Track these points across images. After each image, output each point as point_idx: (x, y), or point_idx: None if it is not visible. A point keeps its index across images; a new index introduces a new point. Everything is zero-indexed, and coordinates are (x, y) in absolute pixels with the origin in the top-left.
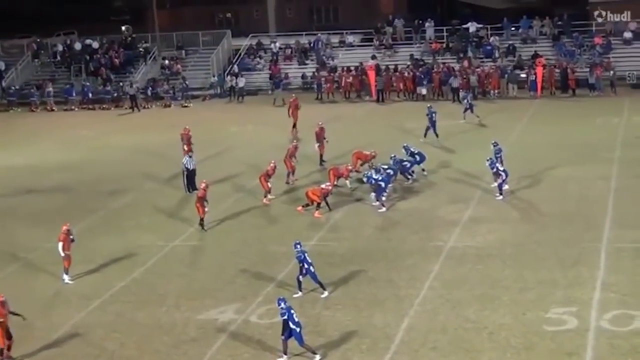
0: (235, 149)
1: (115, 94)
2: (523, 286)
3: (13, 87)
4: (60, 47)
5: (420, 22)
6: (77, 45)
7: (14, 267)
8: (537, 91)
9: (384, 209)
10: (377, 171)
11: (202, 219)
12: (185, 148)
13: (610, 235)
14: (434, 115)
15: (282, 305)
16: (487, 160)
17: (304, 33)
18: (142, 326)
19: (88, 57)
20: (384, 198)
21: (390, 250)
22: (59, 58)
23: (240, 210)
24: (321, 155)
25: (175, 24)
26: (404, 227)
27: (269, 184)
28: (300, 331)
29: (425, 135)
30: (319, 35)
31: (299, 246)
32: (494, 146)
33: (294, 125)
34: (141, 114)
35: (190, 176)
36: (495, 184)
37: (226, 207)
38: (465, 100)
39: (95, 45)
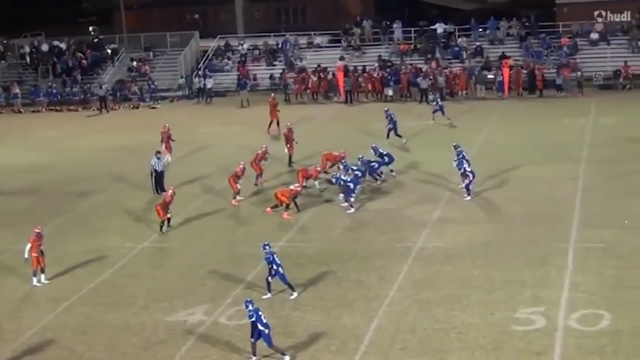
0: (204, 150)
1: (83, 96)
2: (491, 286)
3: None
4: (27, 49)
5: (388, 23)
6: (45, 47)
7: None
8: (504, 92)
9: (352, 210)
10: (346, 171)
11: (162, 222)
12: (164, 146)
13: (577, 235)
14: (392, 116)
15: (250, 307)
16: (455, 161)
17: (272, 34)
18: (111, 328)
19: (55, 59)
20: (352, 199)
21: (359, 251)
22: (27, 59)
23: (209, 212)
24: (290, 157)
25: (143, 25)
26: (373, 228)
27: (238, 185)
28: (269, 332)
29: (387, 136)
30: (287, 36)
31: (267, 247)
32: (455, 149)
33: (277, 124)
34: (110, 116)
35: (158, 177)
36: (463, 185)
37: (195, 208)
38: (435, 102)
39: (63, 46)
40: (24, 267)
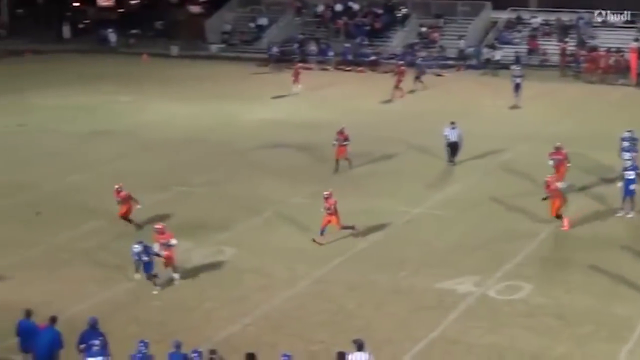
0: (486, 122)
1: (374, 58)
2: None
3: (273, 46)
4: (321, 7)
5: None
6: (338, 7)
7: (256, 220)
8: None
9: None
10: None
11: None
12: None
13: None
14: None
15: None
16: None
17: (566, 10)
18: (381, 288)
19: (347, 19)
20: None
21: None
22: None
23: (489, 184)
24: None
25: None
26: None
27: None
28: None
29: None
30: (581, 13)
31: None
32: None
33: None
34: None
35: (452, 147)
36: None
37: (477, 180)
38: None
39: (356, 7)
40: (293, 221)
